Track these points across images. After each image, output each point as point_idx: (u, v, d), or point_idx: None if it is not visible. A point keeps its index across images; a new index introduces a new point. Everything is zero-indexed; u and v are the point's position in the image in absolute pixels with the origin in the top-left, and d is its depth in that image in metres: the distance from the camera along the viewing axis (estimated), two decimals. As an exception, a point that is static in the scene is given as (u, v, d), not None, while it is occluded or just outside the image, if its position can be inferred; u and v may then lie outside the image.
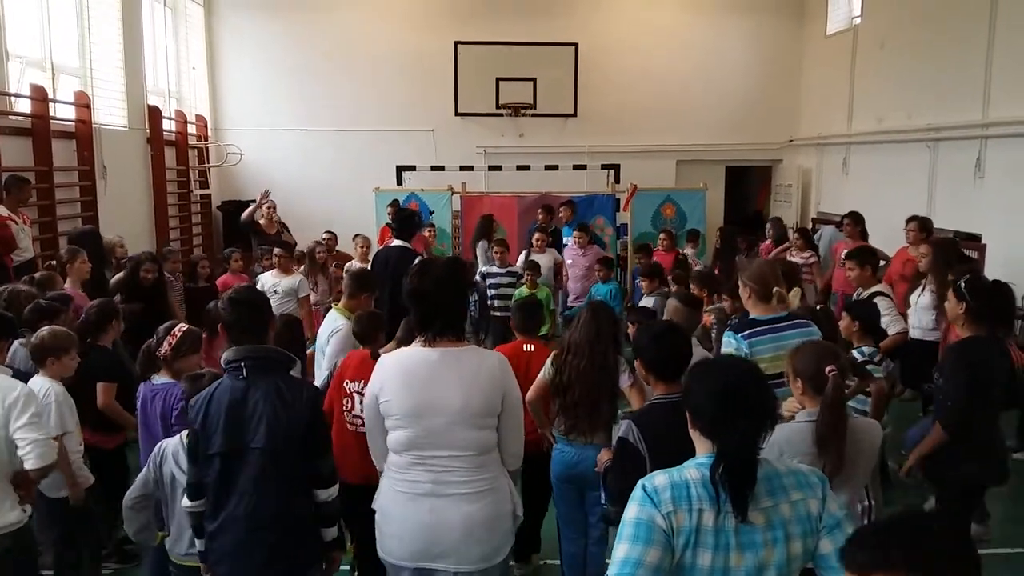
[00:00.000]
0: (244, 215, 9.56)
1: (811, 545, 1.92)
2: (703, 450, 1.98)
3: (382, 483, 2.94)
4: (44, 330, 3.91)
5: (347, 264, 8.13)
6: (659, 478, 1.92)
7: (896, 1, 10.19)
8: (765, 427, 1.93)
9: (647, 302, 6.50)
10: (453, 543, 2.79)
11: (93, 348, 4.41)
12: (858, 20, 11.27)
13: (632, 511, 1.88)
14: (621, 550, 1.85)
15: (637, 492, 1.91)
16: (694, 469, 1.93)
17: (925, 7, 9.47)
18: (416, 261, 3.35)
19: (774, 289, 3.74)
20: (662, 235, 9.25)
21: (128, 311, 5.71)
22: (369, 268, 6.60)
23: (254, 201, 12.06)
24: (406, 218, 6.70)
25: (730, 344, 3.61)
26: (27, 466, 3.10)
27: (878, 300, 5.23)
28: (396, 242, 6.44)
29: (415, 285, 2.86)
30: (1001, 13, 8.01)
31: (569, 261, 8.51)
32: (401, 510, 2.82)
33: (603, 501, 3.38)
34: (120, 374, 4.47)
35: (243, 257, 8.01)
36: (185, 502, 3.01)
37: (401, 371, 2.82)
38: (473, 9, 12.65)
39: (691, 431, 2.04)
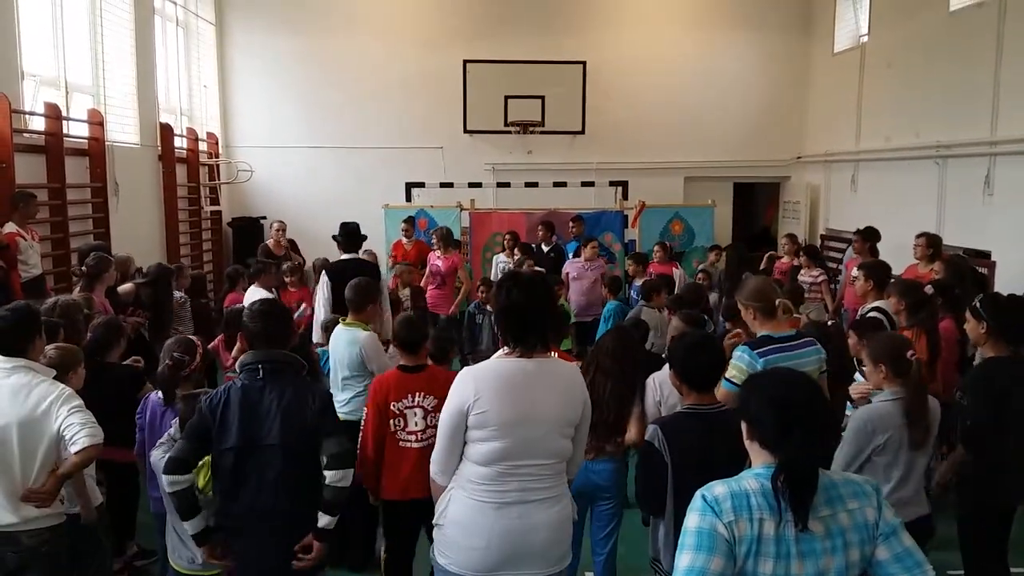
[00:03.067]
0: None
1: (868, 552, 1.96)
2: (760, 461, 2.01)
3: (453, 497, 2.85)
4: (51, 349, 3.92)
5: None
6: (718, 488, 1.95)
7: (903, 19, 10.23)
8: (823, 436, 1.97)
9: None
10: (541, 545, 2.80)
11: (107, 365, 4.43)
12: (865, 38, 11.31)
13: (693, 520, 1.92)
14: (685, 559, 1.88)
15: (697, 502, 1.95)
16: (752, 479, 1.96)
17: (932, 24, 9.50)
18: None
19: (776, 302, 3.73)
20: (656, 248, 9.24)
21: (136, 323, 5.79)
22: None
23: (264, 218, 12.26)
24: (352, 232, 6.77)
25: (743, 359, 3.56)
26: (79, 446, 3.09)
27: (874, 315, 5.21)
28: (345, 256, 6.59)
29: (510, 299, 2.83)
30: (1008, 30, 8.03)
31: (573, 274, 8.48)
32: (488, 520, 2.76)
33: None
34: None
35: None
36: (163, 474, 3.05)
37: (499, 382, 2.77)
38: (482, 28, 12.75)
39: (747, 443, 2.07)
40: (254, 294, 7.16)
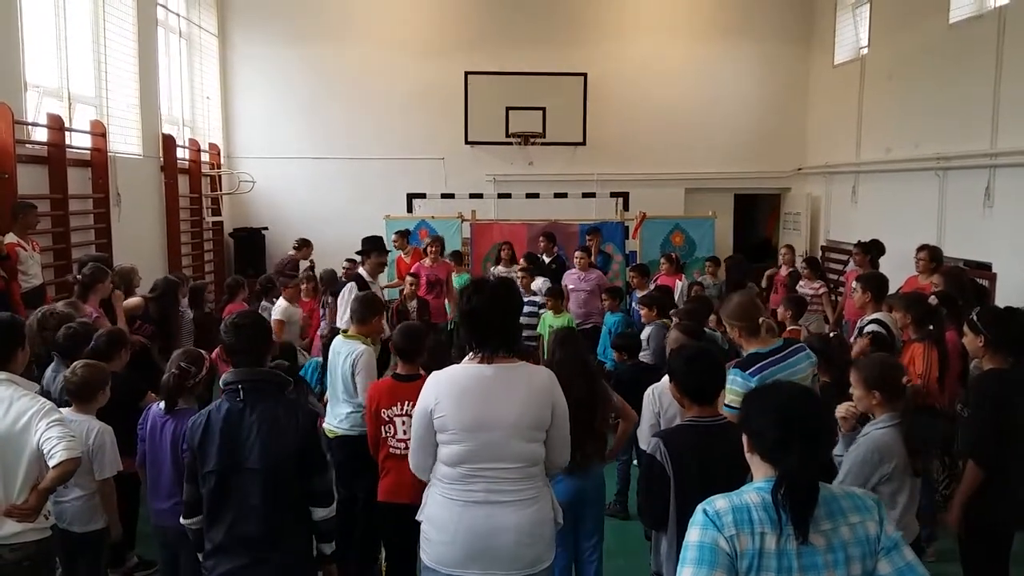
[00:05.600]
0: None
1: (870, 566, 1.94)
2: (761, 474, 2.01)
3: (429, 494, 2.97)
4: (80, 367, 3.93)
5: None
6: (720, 502, 1.95)
7: (903, 31, 10.27)
8: (823, 449, 1.98)
9: (647, 331, 6.40)
10: (507, 547, 2.82)
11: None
12: (865, 50, 11.35)
13: (695, 535, 1.92)
14: (686, 574, 1.88)
15: (698, 516, 1.94)
16: (754, 493, 1.96)
17: (932, 36, 9.53)
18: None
19: (760, 320, 3.72)
20: (662, 259, 9.27)
21: (138, 340, 5.80)
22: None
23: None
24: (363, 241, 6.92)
25: (736, 382, 3.51)
26: (56, 460, 3.04)
27: (872, 327, 5.21)
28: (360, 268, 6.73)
29: (470, 305, 2.90)
30: (1008, 42, 8.06)
31: (571, 286, 8.54)
32: (455, 516, 2.85)
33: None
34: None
35: (249, 286, 8.06)
36: (182, 519, 3.12)
37: (456, 387, 2.87)
38: (483, 39, 12.80)
39: (748, 456, 2.07)
40: (281, 307, 7.36)
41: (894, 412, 3.22)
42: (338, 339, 4.85)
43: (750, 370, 3.53)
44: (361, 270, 6.67)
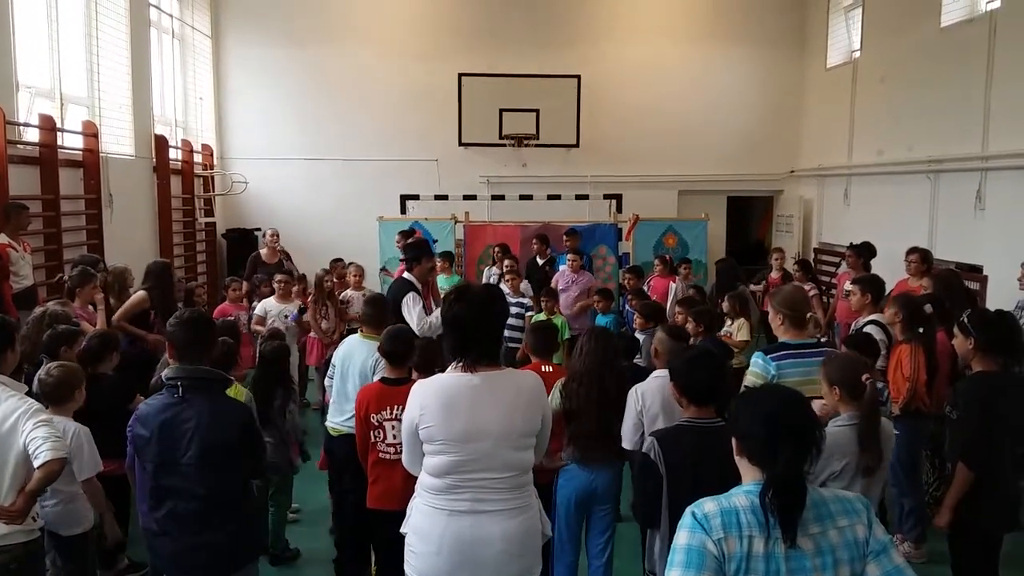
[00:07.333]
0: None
1: (858, 570, 1.95)
2: (750, 478, 2.01)
3: (414, 505, 2.92)
4: (53, 368, 3.90)
5: (343, 293, 8.17)
6: (708, 505, 1.95)
7: (895, 34, 10.31)
8: (811, 453, 1.97)
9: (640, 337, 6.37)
10: (493, 557, 2.78)
11: (99, 376, 4.42)
12: (857, 53, 11.40)
13: (683, 537, 1.92)
14: None
15: (686, 519, 1.95)
16: (742, 496, 1.96)
17: (923, 40, 9.57)
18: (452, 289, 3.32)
19: (808, 315, 3.79)
20: (657, 261, 9.26)
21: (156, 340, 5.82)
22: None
23: (259, 230, 12.28)
24: (405, 248, 6.78)
25: (757, 364, 3.65)
26: (40, 460, 3.01)
27: (870, 328, 5.24)
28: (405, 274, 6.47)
29: (452, 312, 2.85)
30: (999, 45, 8.10)
31: (561, 287, 8.52)
32: (439, 526, 2.79)
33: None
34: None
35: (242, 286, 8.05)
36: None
37: (443, 397, 2.80)
38: (477, 41, 12.81)
39: (737, 459, 2.07)
40: (269, 305, 7.47)
41: (855, 411, 3.21)
42: (355, 338, 4.82)
43: (772, 355, 3.65)
44: (408, 275, 6.41)
